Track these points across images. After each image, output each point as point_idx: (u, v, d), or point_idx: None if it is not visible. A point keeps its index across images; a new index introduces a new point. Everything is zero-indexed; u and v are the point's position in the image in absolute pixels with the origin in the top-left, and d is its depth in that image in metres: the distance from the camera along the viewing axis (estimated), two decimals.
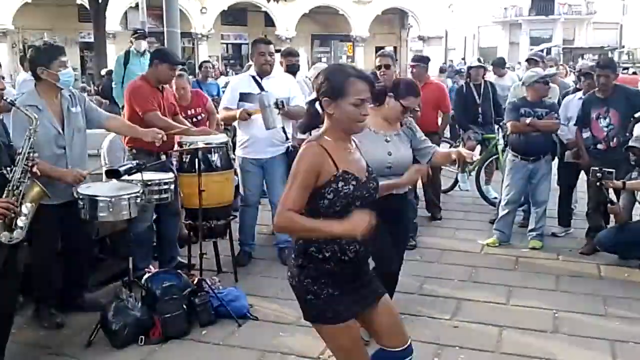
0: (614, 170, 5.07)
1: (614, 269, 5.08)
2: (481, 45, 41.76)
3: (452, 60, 30.52)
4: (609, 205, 5.17)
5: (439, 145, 5.98)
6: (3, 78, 3.82)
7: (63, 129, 3.81)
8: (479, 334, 3.83)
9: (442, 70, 15.13)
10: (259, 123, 4.77)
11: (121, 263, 4.47)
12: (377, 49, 18.97)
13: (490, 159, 7.37)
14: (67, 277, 4.06)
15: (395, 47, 35.65)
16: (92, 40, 16.48)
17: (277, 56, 6.21)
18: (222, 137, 4.69)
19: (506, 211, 5.71)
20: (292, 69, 6.16)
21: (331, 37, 35.20)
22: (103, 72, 13.71)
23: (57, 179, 3.71)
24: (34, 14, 27.66)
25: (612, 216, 5.36)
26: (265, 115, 4.65)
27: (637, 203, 5.24)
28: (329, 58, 33.10)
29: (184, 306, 3.84)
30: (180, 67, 4.74)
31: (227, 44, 34.96)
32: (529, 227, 5.75)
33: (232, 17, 33.22)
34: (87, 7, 15.28)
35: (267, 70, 4.96)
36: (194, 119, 5.60)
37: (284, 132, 5.05)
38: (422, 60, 6.58)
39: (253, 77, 4.98)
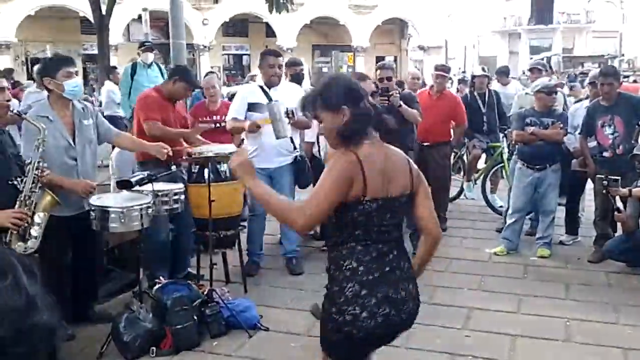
0: (619, 178, 5.08)
1: (623, 277, 5.07)
2: (481, 55, 41.89)
3: (459, 68, 30.64)
4: (615, 213, 5.17)
5: (449, 155, 6.02)
6: (9, 89, 3.83)
7: (74, 140, 3.83)
8: (492, 343, 3.82)
9: (461, 81, 14.61)
10: (268, 132, 4.78)
11: (130, 274, 4.48)
12: (378, 58, 19.04)
13: (496, 168, 7.37)
14: (77, 289, 4.05)
15: (395, 57, 35.77)
16: (94, 52, 16.53)
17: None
18: (231, 147, 4.70)
19: (513, 219, 5.71)
20: (297, 79, 6.18)
21: (332, 47, 35.29)
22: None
23: (68, 190, 3.72)
24: (37, 26, 27.78)
25: (619, 224, 5.36)
26: (275, 124, 4.67)
27: None
28: (329, 68, 33.20)
29: (195, 317, 3.83)
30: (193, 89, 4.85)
31: (228, 55, 35.07)
32: (537, 236, 5.74)
33: (233, 28, 33.34)
34: (90, 19, 15.34)
35: (276, 82, 4.99)
36: (218, 125, 5.65)
37: (292, 141, 5.06)
38: (447, 71, 6.65)
39: (261, 87, 5.00)
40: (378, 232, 2.20)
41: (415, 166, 2.33)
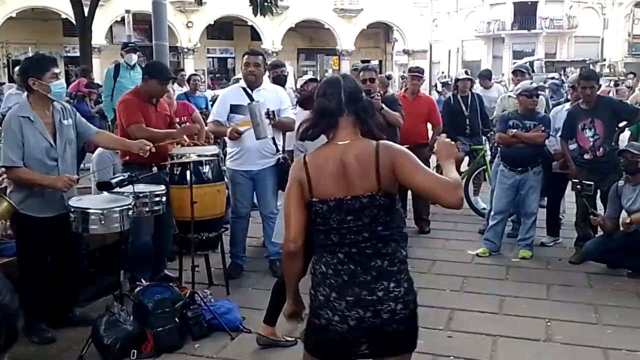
0: (592, 183, 5.15)
1: (603, 278, 5.11)
2: (465, 59, 42.23)
3: (443, 72, 30.91)
4: (591, 217, 5.23)
5: (429, 157, 6.04)
6: None
7: (55, 141, 3.79)
8: (473, 344, 3.83)
9: (445, 85, 14.80)
10: (250, 134, 4.76)
11: (111, 277, 4.44)
12: (363, 62, 19.12)
13: (478, 170, 7.42)
14: (58, 291, 4.01)
15: (380, 61, 35.96)
16: (77, 54, 16.42)
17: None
18: (213, 149, 4.69)
19: (495, 221, 5.75)
20: (279, 81, 6.18)
21: (317, 50, 35.37)
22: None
23: (48, 187, 3.68)
24: (19, 28, 27.54)
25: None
26: (255, 125, 4.65)
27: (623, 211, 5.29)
28: (314, 72, 33.24)
29: (177, 319, 3.80)
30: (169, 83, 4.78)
31: (213, 58, 35.02)
32: (519, 237, 5.78)
33: (218, 31, 33.31)
34: (73, 21, 15.23)
35: (252, 80, 4.95)
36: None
37: (275, 143, 5.05)
38: (422, 72, 6.69)
39: (244, 88, 4.99)
40: (340, 235, 2.19)
41: (384, 156, 2.18)
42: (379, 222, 2.21)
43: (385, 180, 2.18)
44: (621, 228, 5.06)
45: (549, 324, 4.15)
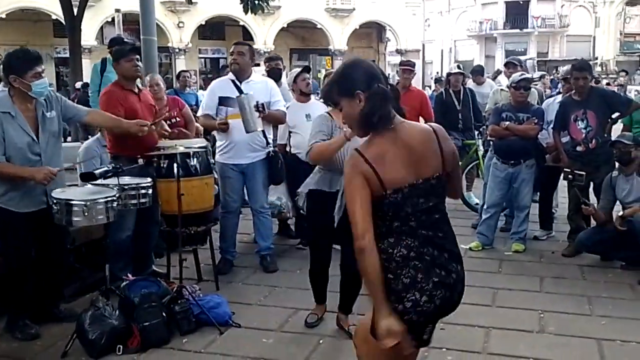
0: (584, 173, 5.11)
1: (596, 270, 5.08)
2: (458, 59, 42.26)
3: (437, 72, 31.10)
4: (583, 206, 5.19)
5: None
6: None
7: (38, 136, 3.71)
8: (466, 336, 3.77)
9: (437, 80, 15.40)
10: (239, 127, 4.70)
11: (98, 273, 4.35)
12: None
13: (471, 165, 7.37)
14: (42, 287, 3.93)
15: (373, 61, 35.82)
16: (67, 55, 16.27)
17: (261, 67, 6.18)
18: (201, 142, 4.61)
19: (488, 215, 5.71)
20: (274, 74, 6.11)
21: (309, 50, 35.26)
22: (78, 85, 13.55)
23: (28, 179, 3.60)
24: (9, 29, 27.31)
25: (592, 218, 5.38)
26: (245, 117, 4.58)
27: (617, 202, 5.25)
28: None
29: (164, 314, 3.73)
30: (136, 55, 4.66)
31: (204, 58, 34.87)
32: (512, 231, 5.74)
33: (209, 31, 33.16)
34: (63, 22, 15.10)
35: (236, 69, 4.91)
36: (168, 122, 5.50)
37: (265, 136, 4.98)
38: (412, 66, 6.64)
39: (232, 80, 4.92)
40: (417, 218, 2.15)
41: (442, 137, 2.23)
42: (443, 203, 2.24)
43: (446, 160, 2.22)
44: (616, 224, 5.00)
45: (542, 315, 4.10)
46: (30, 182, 3.63)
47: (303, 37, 35.24)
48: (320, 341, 3.74)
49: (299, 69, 5.65)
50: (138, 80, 4.68)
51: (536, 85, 7.55)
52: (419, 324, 2.17)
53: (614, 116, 5.67)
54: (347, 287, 3.76)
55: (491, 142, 6.01)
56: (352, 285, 3.70)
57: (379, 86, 2.17)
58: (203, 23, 31.97)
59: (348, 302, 3.82)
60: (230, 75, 4.99)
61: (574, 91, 5.48)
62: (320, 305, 4.03)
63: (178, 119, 5.69)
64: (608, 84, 22.88)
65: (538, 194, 6.16)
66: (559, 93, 6.37)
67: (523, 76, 5.61)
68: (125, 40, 8.04)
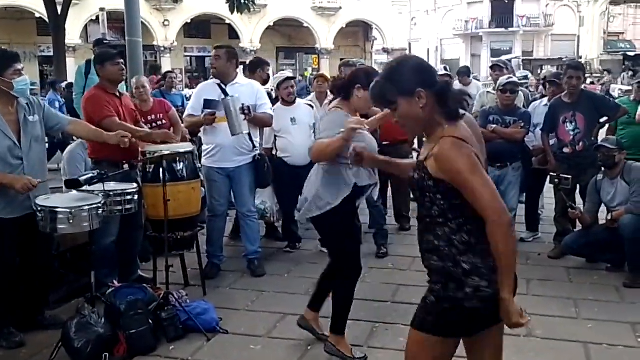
0: (570, 177, 5.13)
1: (582, 273, 5.11)
2: (444, 58, 42.46)
3: None
4: (569, 210, 5.21)
5: (409, 154, 5.98)
6: None
7: (19, 140, 3.65)
8: None
9: None
10: (225, 131, 4.67)
11: (83, 279, 4.30)
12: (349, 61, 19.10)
13: None
14: (27, 294, 3.88)
15: (363, 59, 35.93)
16: (51, 54, 16.13)
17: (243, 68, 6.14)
18: (187, 146, 4.57)
19: None
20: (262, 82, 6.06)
21: (296, 49, 35.27)
22: (63, 85, 13.40)
23: (6, 187, 3.55)
24: None
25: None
26: (230, 120, 4.55)
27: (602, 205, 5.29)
28: (294, 70, 33.18)
29: (150, 321, 3.70)
30: (122, 58, 4.63)
31: (190, 56, 34.68)
32: None
33: (195, 29, 32.99)
34: (47, 20, 14.96)
35: (215, 74, 4.95)
36: (154, 124, 5.46)
37: (251, 140, 4.95)
38: None
39: (218, 84, 4.88)
40: None
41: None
42: None
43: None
44: (608, 225, 5.02)
45: (529, 318, 4.10)
46: (11, 191, 3.57)
47: (289, 35, 35.18)
48: (309, 347, 3.73)
49: (283, 76, 5.63)
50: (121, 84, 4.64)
51: (526, 84, 7.57)
52: (481, 310, 2.15)
53: (601, 120, 5.71)
54: (325, 282, 3.68)
55: None
56: (329, 283, 3.64)
57: (440, 82, 2.20)
58: (189, 21, 31.80)
59: (321, 299, 3.71)
60: (216, 79, 4.96)
61: (564, 92, 5.50)
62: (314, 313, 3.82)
63: (164, 122, 5.64)
64: (592, 83, 23.13)
65: (524, 195, 6.19)
66: (543, 96, 6.38)
67: (510, 79, 5.63)
68: (107, 41, 7.99)
